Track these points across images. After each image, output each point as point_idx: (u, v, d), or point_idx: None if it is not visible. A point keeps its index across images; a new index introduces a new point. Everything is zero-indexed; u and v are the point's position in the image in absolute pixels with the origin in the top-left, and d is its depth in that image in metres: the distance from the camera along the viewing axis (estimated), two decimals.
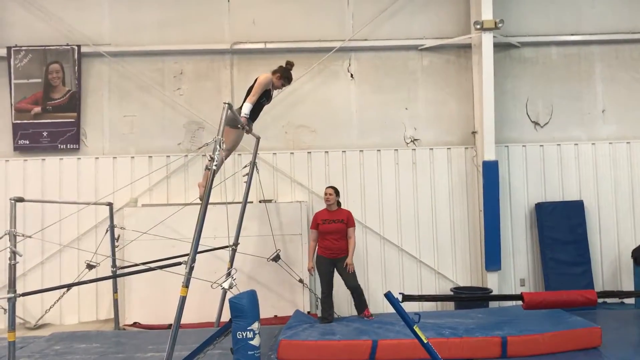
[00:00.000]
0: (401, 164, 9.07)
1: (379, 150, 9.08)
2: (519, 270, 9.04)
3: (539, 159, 9.15)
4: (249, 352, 5.20)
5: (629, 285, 8.75)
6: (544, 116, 9.29)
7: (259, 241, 8.26)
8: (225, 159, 6.85)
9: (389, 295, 4.34)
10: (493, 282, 8.61)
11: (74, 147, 8.97)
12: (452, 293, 8.71)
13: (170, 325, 5.04)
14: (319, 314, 7.96)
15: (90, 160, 8.95)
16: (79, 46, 8.96)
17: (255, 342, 5.20)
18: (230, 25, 9.15)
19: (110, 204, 7.96)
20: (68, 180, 8.88)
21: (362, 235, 8.78)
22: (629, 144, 9.19)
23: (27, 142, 8.90)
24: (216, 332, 5.51)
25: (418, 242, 8.99)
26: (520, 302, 4.63)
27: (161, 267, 5.57)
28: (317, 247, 7.44)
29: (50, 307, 8.26)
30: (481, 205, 8.77)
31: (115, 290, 8.07)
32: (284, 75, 6.89)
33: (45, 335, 7.35)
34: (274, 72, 6.84)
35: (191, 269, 4.98)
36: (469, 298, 8.61)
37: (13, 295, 5.27)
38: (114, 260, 7.90)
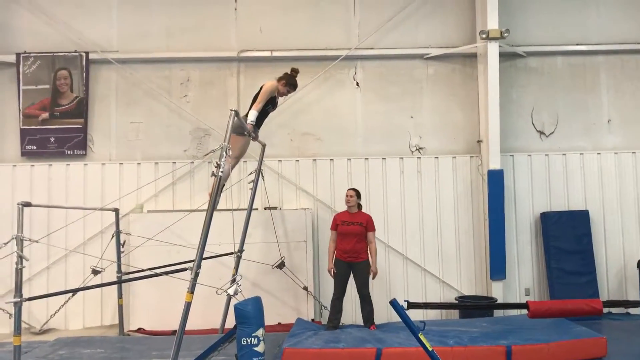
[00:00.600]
0: (406, 172, 9.08)
1: (384, 158, 9.09)
2: (523, 279, 9.01)
3: (544, 169, 9.14)
4: (254, 359, 5.21)
5: (634, 295, 8.71)
6: (549, 126, 9.29)
7: (263, 248, 8.27)
8: (233, 167, 6.91)
9: (394, 303, 4.34)
10: (498, 292, 8.58)
11: (81, 153, 9.03)
12: (456, 302, 8.69)
13: (175, 331, 5.05)
14: (324, 321, 7.97)
15: (96, 166, 9.00)
16: (87, 53, 9.03)
17: (259, 348, 5.22)
18: (237, 33, 9.21)
19: (116, 210, 7.99)
20: (74, 186, 8.94)
21: None
22: (634, 154, 9.18)
23: (35, 147, 8.96)
24: (221, 339, 5.53)
25: (423, 250, 8.98)
26: (524, 312, 4.63)
27: (166, 273, 5.59)
28: (333, 248, 7.42)
29: (56, 312, 8.28)
30: (486, 214, 8.77)
31: (120, 296, 8.09)
32: (289, 82, 6.93)
33: (50, 340, 7.36)
34: (279, 79, 6.88)
35: (196, 274, 4.99)
36: (474, 306, 8.59)
37: (20, 299, 5.29)
38: (119, 266, 7.93)
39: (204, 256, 5.20)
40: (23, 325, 5.67)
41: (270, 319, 6.75)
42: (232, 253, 7.52)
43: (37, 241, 5.69)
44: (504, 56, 8.98)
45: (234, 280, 5.29)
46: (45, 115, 8.98)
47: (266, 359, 5.58)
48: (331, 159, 9.09)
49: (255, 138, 6.93)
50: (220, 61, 9.19)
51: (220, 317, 7.68)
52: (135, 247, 7.86)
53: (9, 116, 9.08)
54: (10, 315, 6.55)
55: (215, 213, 5.36)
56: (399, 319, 4.55)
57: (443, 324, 7.42)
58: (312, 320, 8.23)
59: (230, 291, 5.20)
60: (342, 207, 8.70)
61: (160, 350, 6.59)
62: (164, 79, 9.21)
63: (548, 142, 9.28)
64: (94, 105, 9.13)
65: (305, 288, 8.24)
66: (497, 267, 8.57)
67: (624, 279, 8.97)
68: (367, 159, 9.08)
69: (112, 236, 8.00)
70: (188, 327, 5.07)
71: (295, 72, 6.99)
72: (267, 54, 9.11)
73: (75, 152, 9.01)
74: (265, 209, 8.46)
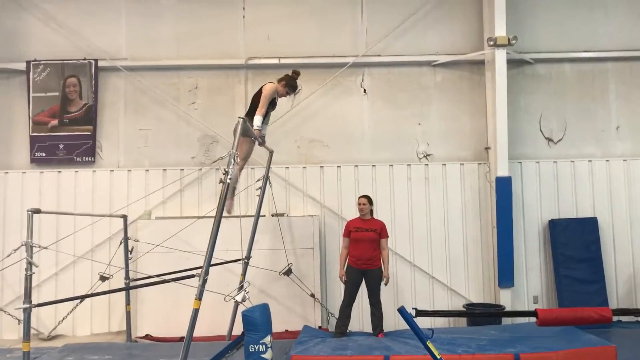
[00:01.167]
0: (414, 179, 9.07)
1: (392, 165, 9.09)
2: (532, 287, 8.96)
3: (553, 176, 9.11)
4: None
5: None
6: (557, 132, 9.27)
7: (271, 255, 8.27)
8: (240, 170, 6.94)
9: (402, 310, 4.32)
10: (506, 299, 8.54)
11: (90, 159, 9.08)
12: (464, 309, 8.65)
13: (182, 338, 5.06)
14: (331, 328, 7.96)
15: (105, 172, 9.05)
16: (96, 60, 9.10)
17: (267, 355, 5.20)
18: (245, 41, 9.25)
19: (124, 217, 8.02)
20: (83, 193, 8.98)
21: None
22: None
23: (44, 154, 9.02)
24: (228, 345, 5.53)
25: (430, 258, 8.95)
26: (533, 320, 4.60)
27: (174, 280, 5.60)
28: (347, 256, 7.40)
29: (64, 319, 8.31)
30: (494, 221, 8.74)
31: (128, 302, 8.10)
32: (289, 84, 6.96)
33: (58, 347, 7.39)
34: (279, 80, 6.93)
35: (204, 281, 5.00)
36: (483, 314, 8.54)
37: (29, 305, 5.32)
38: (127, 272, 7.94)
39: (212, 263, 5.20)
40: (32, 331, 5.68)
41: (277, 326, 6.73)
42: (239, 260, 7.54)
43: (46, 247, 5.71)
44: (511, 63, 8.96)
45: (241, 287, 5.30)
46: (54, 122, 9.04)
47: None
48: (338, 166, 9.09)
49: (263, 144, 6.95)
50: (228, 68, 9.24)
51: (228, 324, 7.70)
52: (143, 253, 7.88)
53: (18, 123, 9.15)
54: (20, 321, 6.56)
55: (222, 220, 5.38)
56: (406, 327, 4.53)
57: (451, 331, 7.39)
58: (319, 327, 8.22)
59: (238, 298, 5.20)
60: (349, 213, 8.74)
61: (168, 357, 6.58)
62: (172, 86, 9.26)
63: (556, 149, 9.24)
64: (102, 113, 9.19)
65: (312, 295, 8.23)
66: (505, 275, 8.53)
67: (633, 287, 8.91)
68: (375, 165, 9.08)
69: (120, 243, 8.02)
70: (195, 333, 5.07)
71: (296, 73, 7.03)
72: (274, 61, 9.13)
73: (84, 159, 9.06)
74: (272, 215, 8.46)
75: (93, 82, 9.08)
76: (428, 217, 9.01)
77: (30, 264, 5.32)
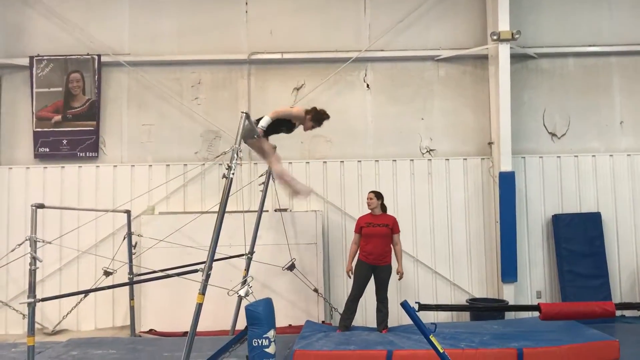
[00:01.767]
0: (417, 175, 9.07)
1: (395, 160, 9.08)
2: (535, 282, 8.95)
3: (556, 171, 9.09)
4: None
5: None
6: (561, 127, 9.24)
7: (274, 250, 8.28)
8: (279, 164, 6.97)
9: (405, 304, 4.33)
10: (509, 294, 8.54)
11: (93, 155, 9.09)
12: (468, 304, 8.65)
13: (186, 332, 5.08)
14: (334, 323, 7.97)
15: (108, 168, 9.07)
16: (99, 56, 9.10)
17: (270, 350, 5.21)
18: (248, 36, 9.24)
19: (128, 212, 8.04)
20: (86, 188, 9.00)
21: None
22: None
23: (47, 149, 9.04)
24: (232, 340, 5.53)
25: (433, 252, 8.96)
26: (536, 315, 4.60)
27: (178, 274, 5.62)
28: (358, 252, 7.38)
29: (68, 313, 8.36)
30: (497, 216, 8.73)
31: (131, 297, 8.13)
32: (315, 118, 6.62)
33: (63, 341, 7.41)
34: (307, 112, 6.59)
35: (208, 276, 5.01)
36: (486, 308, 8.54)
37: (33, 300, 5.33)
38: (130, 267, 7.97)
39: (215, 258, 5.21)
40: (36, 326, 5.71)
41: (280, 321, 6.76)
42: (242, 255, 7.56)
43: (50, 242, 5.72)
44: (515, 58, 8.92)
45: (244, 282, 5.31)
46: (57, 117, 9.06)
47: None
48: (341, 161, 9.09)
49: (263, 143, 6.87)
50: (231, 63, 9.23)
51: (231, 318, 7.72)
52: (146, 248, 7.91)
53: (22, 118, 9.17)
54: (24, 315, 6.62)
55: (226, 215, 5.38)
56: (410, 323, 4.54)
57: (454, 326, 7.39)
58: (322, 322, 8.23)
59: (242, 292, 5.21)
60: (352, 209, 8.78)
61: (172, 351, 6.61)
62: (175, 82, 9.26)
63: (560, 144, 9.22)
64: (105, 108, 9.20)
65: (315, 290, 8.24)
66: (509, 270, 8.53)
67: (636, 282, 8.90)
68: (378, 161, 9.07)
69: (124, 238, 8.05)
70: (199, 328, 5.08)
71: (324, 112, 6.68)
72: (277, 56, 9.13)
73: (87, 154, 9.08)
74: (275, 210, 8.47)
75: (96, 77, 9.09)
76: (431, 212, 9.01)
77: (34, 259, 5.34)
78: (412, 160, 9.10)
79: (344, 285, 8.51)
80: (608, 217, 8.97)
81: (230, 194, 5.48)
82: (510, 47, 8.65)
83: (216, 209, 5.51)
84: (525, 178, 9.04)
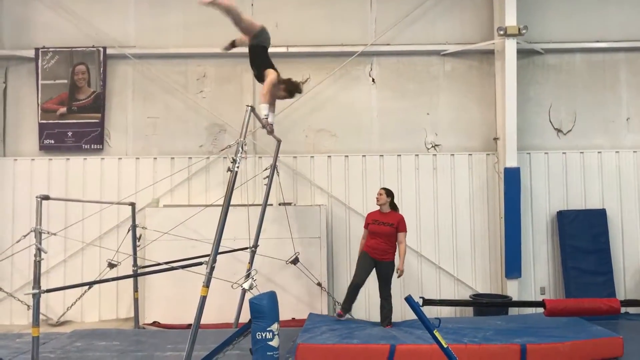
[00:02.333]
0: (422, 170, 9.04)
1: (400, 155, 9.06)
2: (539, 278, 8.94)
3: (562, 167, 9.05)
4: (268, 353, 5.24)
5: None
6: (567, 123, 9.20)
7: (278, 244, 8.28)
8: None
9: (409, 299, 4.32)
10: (513, 290, 8.53)
11: (98, 147, 9.11)
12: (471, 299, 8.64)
13: (190, 325, 5.09)
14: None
15: (113, 160, 9.08)
16: (104, 48, 9.10)
17: (274, 343, 5.24)
18: None
19: (132, 204, 8.05)
20: (91, 180, 9.02)
21: None
22: None
23: (53, 141, 9.05)
24: (235, 333, 5.56)
25: (437, 248, 8.95)
26: (540, 311, 4.60)
27: (182, 267, 5.64)
28: (364, 244, 7.38)
29: (72, 305, 8.38)
30: (502, 212, 8.71)
31: (135, 289, 8.16)
32: (288, 89, 6.91)
33: (67, 332, 7.46)
34: (282, 81, 6.87)
35: (212, 269, 5.02)
36: (490, 304, 8.54)
37: (38, 291, 5.35)
38: (135, 260, 7.99)
39: (219, 251, 5.22)
40: (41, 317, 5.73)
41: (284, 314, 6.77)
42: (247, 248, 7.58)
43: (54, 234, 5.75)
44: (521, 53, 8.88)
45: (248, 275, 5.32)
46: (63, 109, 9.07)
47: (280, 353, 5.60)
48: (346, 156, 9.07)
49: (271, 132, 6.92)
50: (236, 57, 9.14)
51: (235, 311, 7.74)
52: (151, 241, 7.92)
53: (27, 110, 9.18)
54: (29, 306, 6.66)
55: (230, 208, 5.39)
56: (413, 318, 4.53)
57: (457, 321, 7.39)
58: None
59: (246, 285, 5.23)
60: (356, 203, 8.80)
61: (175, 343, 6.64)
62: (181, 74, 9.25)
63: (566, 140, 9.18)
64: (111, 100, 9.20)
65: (319, 284, 8.25)
66: (513, 266, 8.52)
67: None
68: (382, 155, 9.06)
69: (128, 230, 8.07)
70: (203, 321, 5.11)
71: (297, 85, 7.04)
72: (282, 49, 9.07)
73: (92, 147, 9.09)
74: (279, 204, 8.47)
75: (101, 69, 9.09)
76: (436, 208, 8.99)
77: (39, 250, 5.35)
78: (417, 155, 9.08)
79: (347, 280, 8.49)
80: (613, 214, 8.94)
81: (234, 188, 5.50)
82: (517, 43, 8.61)
83: (221, 202, 5.53)
84: (531, 174, 9.01)
